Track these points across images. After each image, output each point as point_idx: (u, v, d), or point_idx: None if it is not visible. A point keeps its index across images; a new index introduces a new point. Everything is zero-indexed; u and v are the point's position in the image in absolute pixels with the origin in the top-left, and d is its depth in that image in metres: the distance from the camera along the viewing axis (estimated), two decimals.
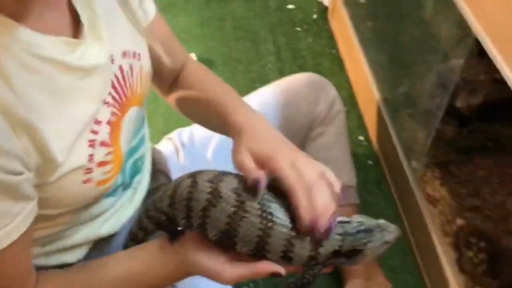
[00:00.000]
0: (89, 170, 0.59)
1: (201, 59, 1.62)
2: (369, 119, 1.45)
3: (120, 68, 0.65)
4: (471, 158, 1.27)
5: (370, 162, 1.37)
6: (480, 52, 1.07)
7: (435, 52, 1.20)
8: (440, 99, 1.08)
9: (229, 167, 0.98)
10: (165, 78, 0.82)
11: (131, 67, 0.68)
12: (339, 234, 0.58)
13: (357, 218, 0.61)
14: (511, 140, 1.28)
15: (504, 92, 1.27)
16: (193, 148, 1.01)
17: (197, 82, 0.82)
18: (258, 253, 0.57)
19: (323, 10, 1.83)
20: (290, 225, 0.56)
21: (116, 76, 0.64)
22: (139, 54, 0.70)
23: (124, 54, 0.67)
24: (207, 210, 0.57)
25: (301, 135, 1.06)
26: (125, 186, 0.75)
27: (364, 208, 1.22)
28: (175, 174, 0.94)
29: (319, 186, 0.56)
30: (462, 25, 0.84)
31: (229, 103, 0.72)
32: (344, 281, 1.07)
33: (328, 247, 0.58)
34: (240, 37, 1.74)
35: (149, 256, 0.63)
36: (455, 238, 1.10)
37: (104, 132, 0.61)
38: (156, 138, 1.03)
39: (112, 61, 0.64)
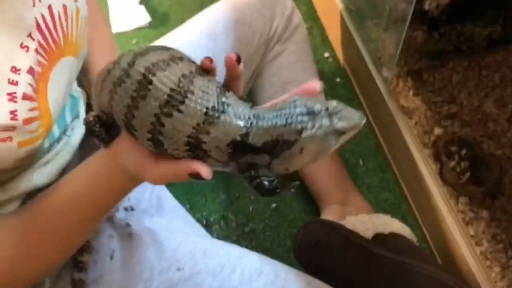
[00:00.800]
0: (11, 128, 0.49)
1: None
2: (333, 34, 1.34)
3: (49, 8, 0.54)
4: (444, 63, 1.19)
5: (338, 79, 1.27)
6: None
7: None
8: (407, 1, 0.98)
9: None
10: None
11: (64, 8, 0.56)
12: (245, 119, 0.42)
13: (294, 98, 0.44)
14: (484, 39, 1.20)
15: None
16: None
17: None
18: (158, 144, 0.45)
19: None
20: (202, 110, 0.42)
21: (43, 17, 0.53)
22: None
23: None
24: (114, 90, 0.46)
25: (259, 56, 0.95)
26: (60, 136, 0.65)
27: None
28: None
29: None
30: None
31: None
32: (321, 208, 1.01)
33: (219, 135, 0.42)
34: None
35: (90, 168, 0.55)
36: (435, 148, 1.04)
37: (24, 82, 0.50)
38: None
39: None
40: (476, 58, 1.19)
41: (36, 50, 0.52)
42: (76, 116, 0.70)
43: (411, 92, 1.14)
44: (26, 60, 0.51)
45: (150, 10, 1.41)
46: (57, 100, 0.58)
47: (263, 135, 0.43)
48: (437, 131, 1.07)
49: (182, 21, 0.97)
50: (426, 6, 1.16)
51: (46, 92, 0.55)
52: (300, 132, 0.42)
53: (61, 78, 0.58)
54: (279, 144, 0.42)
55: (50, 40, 0.55)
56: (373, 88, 1.13)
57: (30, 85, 0.51)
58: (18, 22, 0.50)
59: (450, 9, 1.15)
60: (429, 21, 1.18)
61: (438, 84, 1.16)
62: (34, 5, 0.52)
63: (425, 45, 1.18)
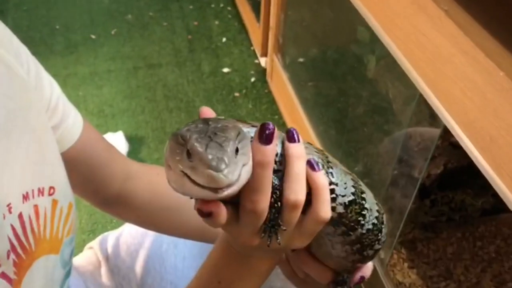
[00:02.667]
0: None
1: (130, 137, 1.44)
2: None
3: (20, 216, 0.50)
4: (438, 233, 1.17)
5: None
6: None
7: (391, 117, 1.10)
8: (411, 177, 0.97)
9: (164, 279, 0.82)
10: (102, 194, 0.69)
11: (35, 209, 0.52)
12: None
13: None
14: (476, 209, 1.18)
15: (465, 157, 1.19)
16: (117, 260, 0.84)
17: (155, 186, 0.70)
18: None
19: (261, 71, 1.71)
20: None
21: (12, 228, 0.48)
22: (51, 188, 0.54)
23: (26, 196, 0.51)
24: None
25: None
26: None
27: None
28: None
29: None
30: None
31: None
32: None
33: None
34: (173, 108, 1.58)
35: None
36: None
37: None
38: (80, 241, 0.86)
39: (10, 210, 0.48)
40: (470, 228, 1.17)
41: (2, 274, 0.47)
42: None
43: (406, 265, 1.10)
44: None
45: None
46: None
47: None
48: None
49: None
50: (416, 174, 1.16)
51: None
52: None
53: (36, 282, 0.52)
54: None
55: (19, 251, 0.50)
56: None
57: None
58: None
59: (441, 178, 1.15)
60: (420, 189, 1.17)
61: (433, 255, 1.12)
62: (4, 218, 0.47)
63: (418, 214, 1.16)
